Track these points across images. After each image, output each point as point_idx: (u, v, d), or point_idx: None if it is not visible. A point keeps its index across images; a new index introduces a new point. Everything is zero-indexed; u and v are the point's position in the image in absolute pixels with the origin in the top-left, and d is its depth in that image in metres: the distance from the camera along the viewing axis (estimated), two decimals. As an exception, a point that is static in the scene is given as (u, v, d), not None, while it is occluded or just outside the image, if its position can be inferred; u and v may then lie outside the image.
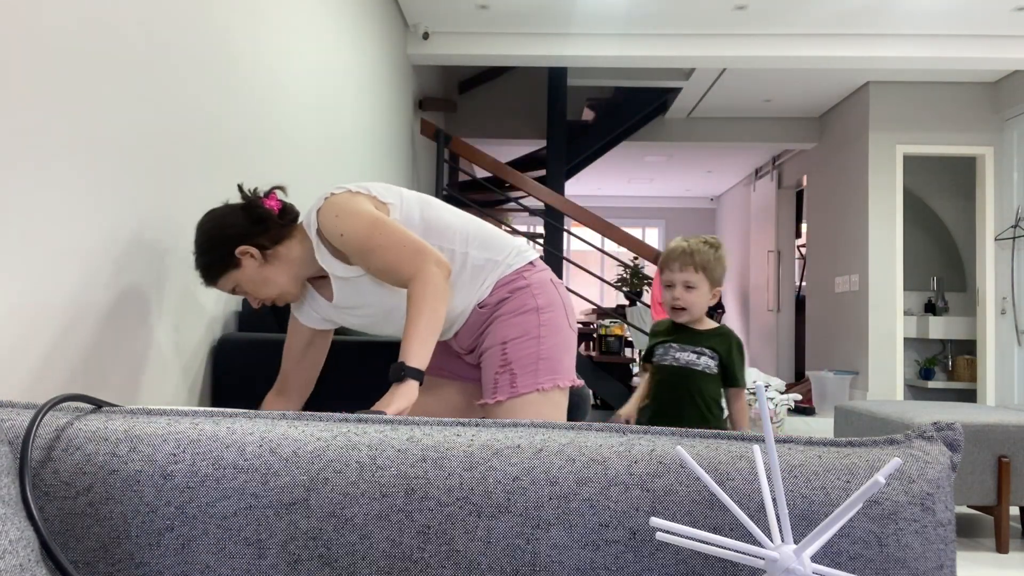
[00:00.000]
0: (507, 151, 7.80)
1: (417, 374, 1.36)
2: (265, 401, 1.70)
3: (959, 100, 6.22)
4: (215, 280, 1.54)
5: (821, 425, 5.65)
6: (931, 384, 6.67)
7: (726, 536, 0.59)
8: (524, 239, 6.33)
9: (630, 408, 2.24)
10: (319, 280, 1.65)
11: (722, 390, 2.13)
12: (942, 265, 6.95)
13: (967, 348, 6.77)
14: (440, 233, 1.55)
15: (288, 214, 1.58)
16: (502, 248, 1.60)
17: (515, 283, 1.58)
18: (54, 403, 0.70)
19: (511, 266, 1.59)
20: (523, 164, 6.86)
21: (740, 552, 0.50)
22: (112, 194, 1.58)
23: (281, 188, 1.62)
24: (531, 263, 1.62)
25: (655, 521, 0.49)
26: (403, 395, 1.33)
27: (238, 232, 1.51)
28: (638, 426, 0.69)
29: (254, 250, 1.52)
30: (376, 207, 1.51)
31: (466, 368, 1.71)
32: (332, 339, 2.12)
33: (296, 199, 2.81)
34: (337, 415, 0.72)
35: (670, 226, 11.81)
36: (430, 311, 1.38)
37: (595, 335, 6.11)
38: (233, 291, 1.56)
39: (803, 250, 8.65)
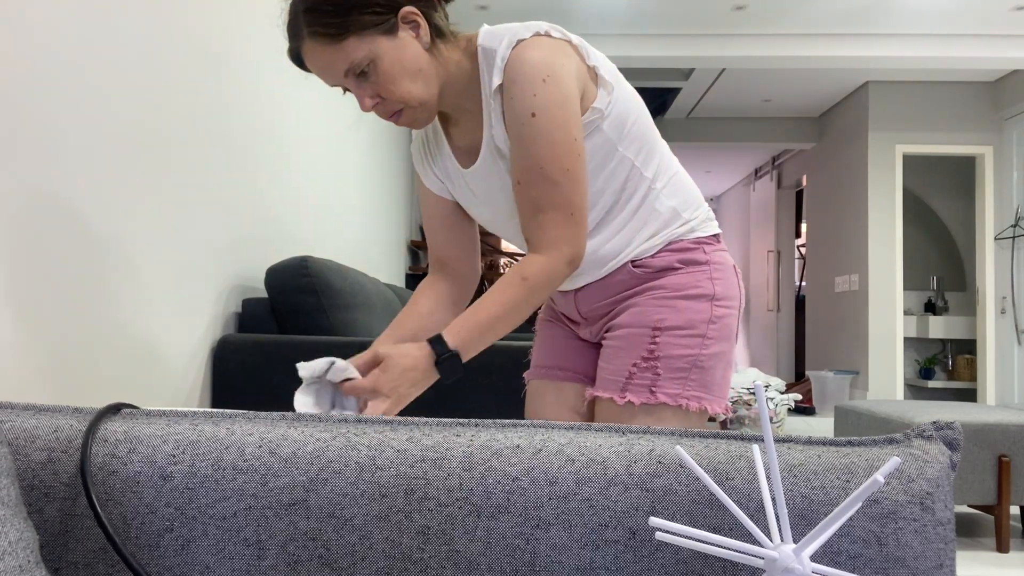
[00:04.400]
0: (507, 151, 7.80)
1: (443, 353, 1.01)
2: (421, 285, 1.28)
3: (958, 100, 6.22)
4: (345, 34, 1.00)
5: (821, 425, 5.66)
6: (931, 384, 6.67)
7: (726, 536, 0.59)
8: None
9: None
10: (451, 126, 1.19)
11: None
12: (942, 265, 6.95)
13: (967, 347, 6.78)
14: (642, 146, 1.14)
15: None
16: (694, 203, 1.20)
17: (692, 253, 1.17)
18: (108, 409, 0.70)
19: (694, 231, 1.19)
20: (523, 164, 6.84)
21: (740, 552, 0.50)
22: (111, 194, 1.58)
23: None
24: (716, 236, 1.22)
25: (654, 521, 0.49)
26: (405, 376, 1.00)
27: None
28: (638, 426, 0.69)
29: (424, 23, 1.04)
30: (579, 81, 1.06)
31: (589, 361, 1.30)
32: (320, 341, 2.12)
33: (295, 200, 2.81)
34: (337, 415, 0.72)
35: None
36: (517, 307, 1.04)
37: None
38: (350, 73, 1.03)
39: (803, 250, 8.66)
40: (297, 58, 1.07)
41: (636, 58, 5.14)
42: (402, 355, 1.01)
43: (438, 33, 1.07)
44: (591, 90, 1.08)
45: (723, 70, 6.01)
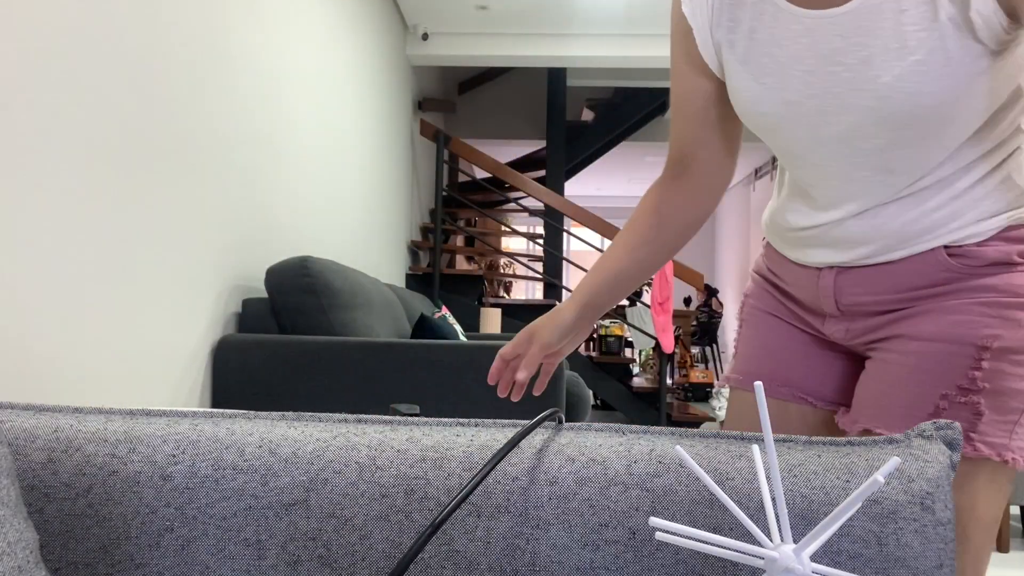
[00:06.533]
0: (507, 151, 7.81)
1: None
2: (645, 197, 0.97)
3: (958, 100, 6.21)
4: None
5: (821, 425, 5.64)
6: (931, 384, 6.65)
7: (726, 536, 0.59)
8: None
9: None
10: None
11: None
12: (942, 265, 6.94)
13: (967, 347, 6.77)
14: None
15: None
16: None
17: None
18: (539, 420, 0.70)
19: None
20: (523, 164, 6.87)
21: (740, 552, 0.50)
22: (112, 194, 1.58)
23: None
24: None
25: (654, 521, 0.49)
26: None
27: None
28: (638, 426, 0.69)
29: None
30: None
31: (826, 374, 0.97)
32: (320, 341, 2.12)
33: (295, 200, 2.81)
34: (337, 415, 0.72)
35: (670, 226, 11.80)
36: None
37: (595, 335, 6.11)
38: None
39: (803, 250, 8.65)
40: None
41: (636, 58, 5.13)
42: None
43: None
44: None
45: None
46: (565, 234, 7.66)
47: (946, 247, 0.83)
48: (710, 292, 9.50)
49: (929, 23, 0.72)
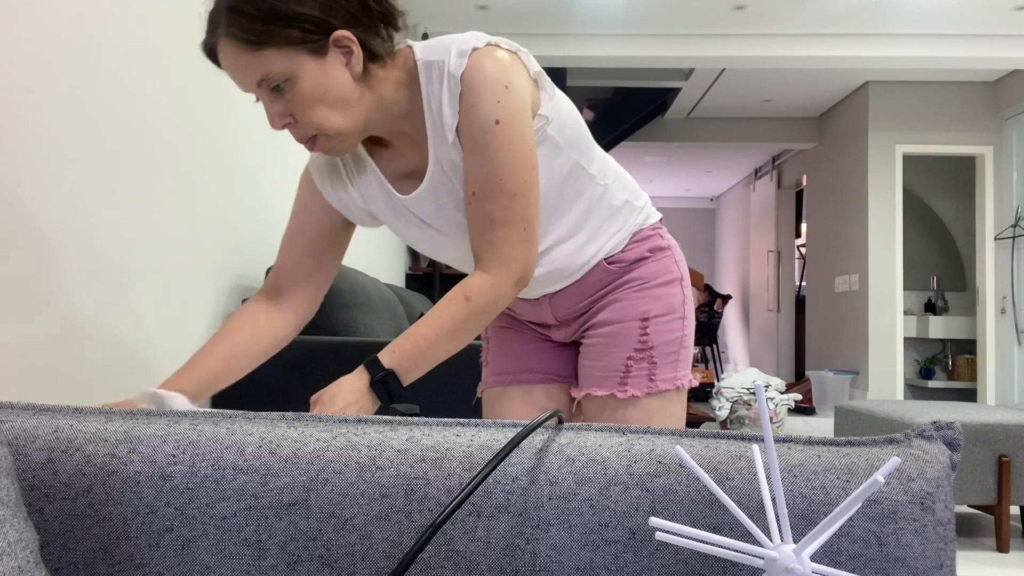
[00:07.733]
0: (507, 152, 7.79)
1: (377, 372, 0.96)
2: (241, 309, 1.11)
3: (958, 100, 6.22)
4: (265, 44, 0.90)
5: (821, 425, 5.66)
6: (931, 384, 6.67)
7: (726, 536, 0.59)
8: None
9: None
10: (382, 151, 1.10)
11: None
12: (942, 265, 6.95)
13: (967, 347, 6.78)
14: (586, 150, 1.13)
15: (395, 25, 1.01)
16: (638, 193, 1.23)
17: (655, 241, 1.21)
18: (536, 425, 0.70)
19: (648, 218, 1.22)
20: (523, 165, 6.85)
21: (740, 552, 0.50)
22: (111, 194, 1.58)
23: None
24: (660, 221, 1.26)
25: (654, 521, 0.49)
26: (340, 395, 0.94)
27: (349, 10, 0.94)
28: (638, 426, 0.69)
29: (358, 50, 0.95)
30: (529, 92, 1.02)
31: (556, 360, 1.30)
32: (320, 341, 2.12)
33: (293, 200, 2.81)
34: (336, 416, 0.72)
35: (670, 226, 11.81)
36: (459, 328, 0.99)
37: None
38: (264, 84, 0.94)
39: (803, 250, 8.66)
40: (211, 53, 0.96)
41: (636, 58, 5.13)
42: (339, 386, 0.95)
43: (373, 57, 0.97)
44: (536, 97, 1.03)
45: (723, 70, 6.00)
46: (565, 234, 7.66)
47: (605, 259, 1.18)
48: (713, 293, 9.50)
49: (447, 176, 1.05)
